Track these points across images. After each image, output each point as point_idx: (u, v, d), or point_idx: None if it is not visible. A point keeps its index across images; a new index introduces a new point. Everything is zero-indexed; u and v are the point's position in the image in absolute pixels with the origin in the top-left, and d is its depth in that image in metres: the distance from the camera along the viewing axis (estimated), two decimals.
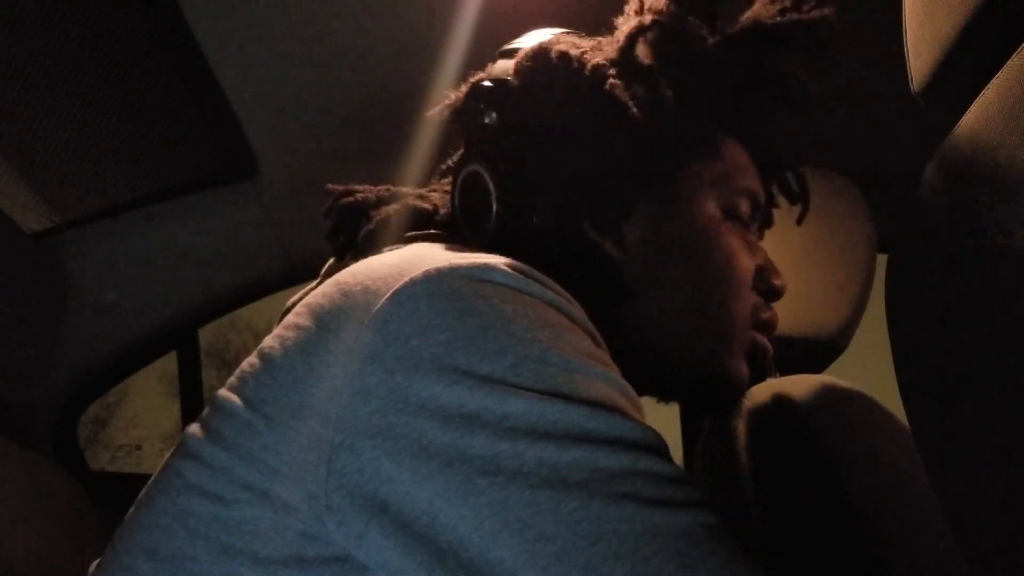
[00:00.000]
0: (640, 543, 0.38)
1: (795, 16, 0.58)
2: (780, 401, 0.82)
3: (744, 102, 0.61)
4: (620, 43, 0.59)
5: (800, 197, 0.68)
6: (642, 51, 0.58)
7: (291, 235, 1.29)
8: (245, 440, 0.44)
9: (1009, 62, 0.32)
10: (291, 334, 0.46)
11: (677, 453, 1.48)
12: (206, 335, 1.48)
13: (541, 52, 0.59)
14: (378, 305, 0.43)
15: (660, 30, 0.59)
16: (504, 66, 0.61)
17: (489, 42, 0.68)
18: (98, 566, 0.48)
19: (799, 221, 0.69)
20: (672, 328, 0.60)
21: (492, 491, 0.39)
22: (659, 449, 0.43)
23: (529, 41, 0.62)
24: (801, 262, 0.85)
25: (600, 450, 0.40)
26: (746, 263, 0.62)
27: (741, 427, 0.88)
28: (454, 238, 0.59)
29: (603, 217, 0.57)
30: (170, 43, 0.92)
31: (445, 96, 0.65)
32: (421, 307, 0.43)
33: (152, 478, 0.49)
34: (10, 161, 1.04)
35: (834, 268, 0.83)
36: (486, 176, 0.57)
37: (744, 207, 0.63)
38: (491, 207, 0.56)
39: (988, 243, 0.32)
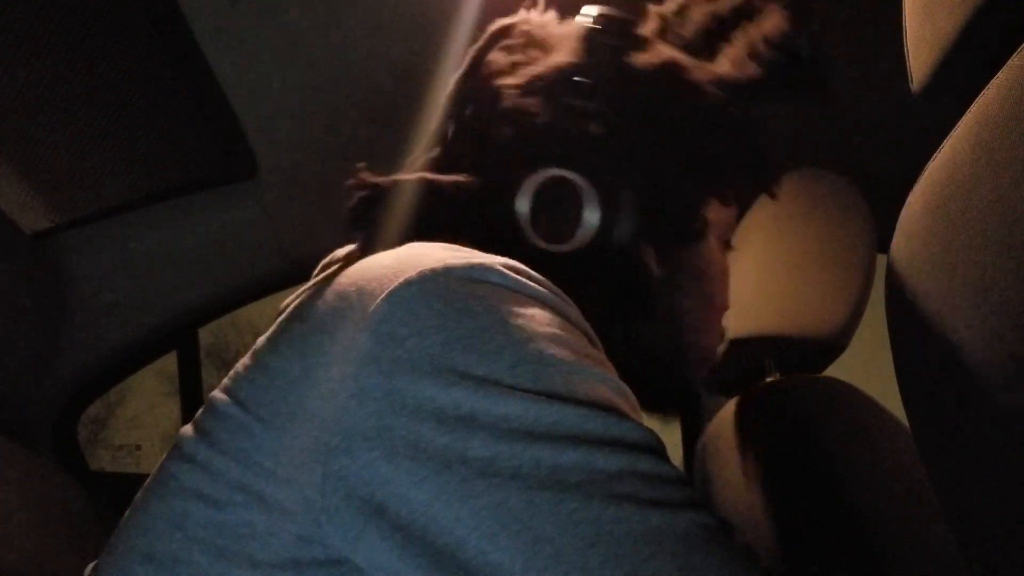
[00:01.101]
0: (638, 544, 0.38)
1: (806, 75, 0.58)
2: (780, 401, 0.82)
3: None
4: (735, 94, 0.58)
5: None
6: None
7: (291, 235, 1.29)
8: (240, 442, 0.44)
9: (1009, 62, 0.32)
10: (285, 335, 0.46)
11: (677, 453, 1.48)
12: (206, 335, 1.49)
13: (672, 72, 0.56)
14: (373, 306, 0.43)
15: (769, 87, 0.58)
16: (597, 60, 0.57)
17: None
18: (94, 568, 0.48)
19: None
20: (670, 346, 0.64)
21: (490, 493, 0.38)
22: (657, 450, 0.42)
23: (600, 21, 0.59)
24: (801, 262, 0.85)
25: (598, 451, 0.40)
26: (728, 292, 0.68)
27: (741, 427, 0.88)
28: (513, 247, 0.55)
29: (670, 242, 0.60)
30: (170, 43, 0.92)
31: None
32: (417, 308, 0.42)
33: (147, 480, 0.49)
34: (10, 161, 1.04)
35: (834, 268, 0.83)
36: (584, 189, 0.54)
37: (730, 234, 0.68)
38: (584, 220, 0.54)
39: (988, 242, 0.32)
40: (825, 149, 1.09)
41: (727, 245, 0.68)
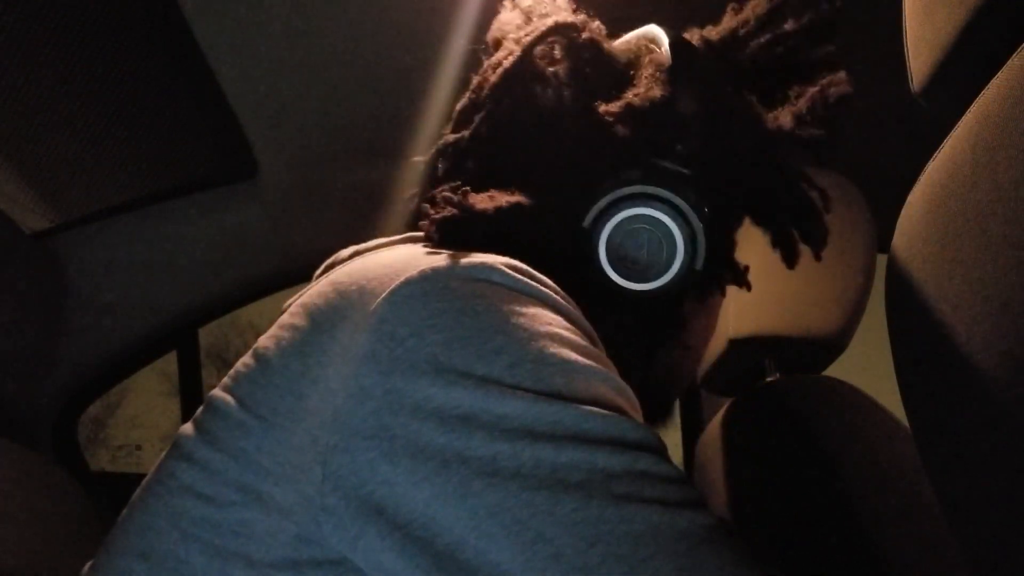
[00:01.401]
0: (638, 544, 0.38)
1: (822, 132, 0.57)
2: (780, 401, 0.82)
3: None
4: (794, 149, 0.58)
5: None
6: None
7: (291, 235, 1.29)
8: (239, 441, 0.44)
9: (1009, 62, 0.32)
10: (286, 334, 0.46)
11: (677, 453, 1.48)
12: (206, 335, 1.48)
13: (754, 123, 0.56)
14: (374, 305, 0.43)
15: (825, 148, 0.58)
16: (688, 99, 0.55)
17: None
18: (91, 567, 0.48)
19: None
20: (677, 371, 0.67)
21: (489, 492, 0.38)
22: (658, 449, 0.42)
23: (665, 52, 0.56)
24: (801, 262, 0.85)
25: (598, 450, 0.40)
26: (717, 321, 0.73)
27: (742, 427, 0.88)
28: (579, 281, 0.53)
29: (719, 289, 0.62)
30: (170, 44, 0.92)
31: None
32: (417, 307, 0.42)
33: (145, 479, 0.49)
34: (10, 161, 1.04)
35: (834, 268, 0.83)
36: (676, 234, 0.53)
37: None
38: (673, 266, 0.54)
39: (988, 242, 0.32)
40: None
41: None
